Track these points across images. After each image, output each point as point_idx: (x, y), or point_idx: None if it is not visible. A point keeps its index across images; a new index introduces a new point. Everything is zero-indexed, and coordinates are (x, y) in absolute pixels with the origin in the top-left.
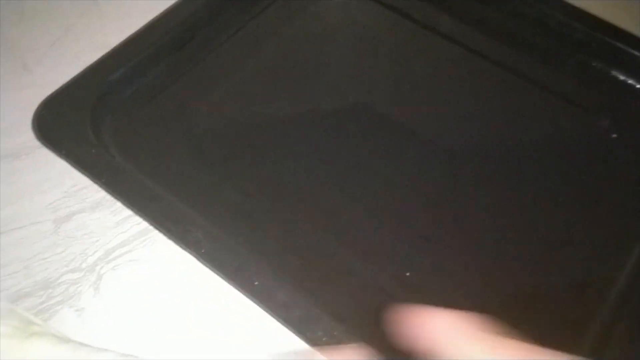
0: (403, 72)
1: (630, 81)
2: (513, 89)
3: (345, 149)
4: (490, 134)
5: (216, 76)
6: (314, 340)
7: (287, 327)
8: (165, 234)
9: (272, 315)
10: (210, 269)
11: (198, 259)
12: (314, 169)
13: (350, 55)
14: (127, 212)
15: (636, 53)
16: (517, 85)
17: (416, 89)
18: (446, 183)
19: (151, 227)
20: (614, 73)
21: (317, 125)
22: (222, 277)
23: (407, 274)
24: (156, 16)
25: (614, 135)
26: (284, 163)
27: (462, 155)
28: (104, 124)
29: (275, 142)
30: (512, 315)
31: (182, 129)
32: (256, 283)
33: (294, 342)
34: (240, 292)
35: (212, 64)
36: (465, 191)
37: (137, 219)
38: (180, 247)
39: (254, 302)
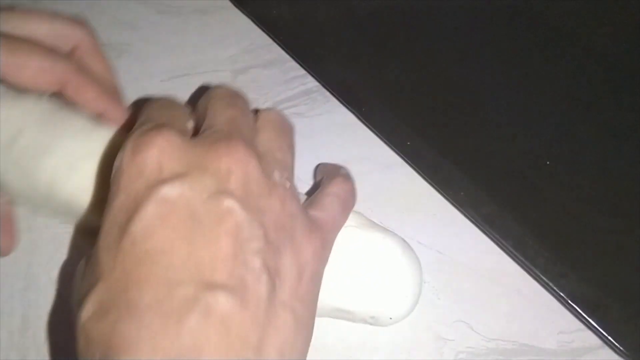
0: None
1: None
2: None
3: (500, 44)
4: None
5: None
6: (455, 198)
7: (432, 186)
8: (330, 93)
9: (419, 174)
10: (367, 127)
11: (358, 118)
12: (467, 56)
13: None
14: (296, 72)
15: None
16: None
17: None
18: (597, 88)
19: (315, 89)
20: None
21: (471, 19)
22: (377, 136)
23: (547, 162)
24: None
25: None
26: (439, 50)
27: (617, 65)
28: None
29: (433, 31)
30: None
31: (351, 6)
32: (408, 143)
33: (436, 199)
34: (393, 150)
35: None
36: (615, 98)
37: (304, 80)
38: (342, 105)
39: (404, 160)
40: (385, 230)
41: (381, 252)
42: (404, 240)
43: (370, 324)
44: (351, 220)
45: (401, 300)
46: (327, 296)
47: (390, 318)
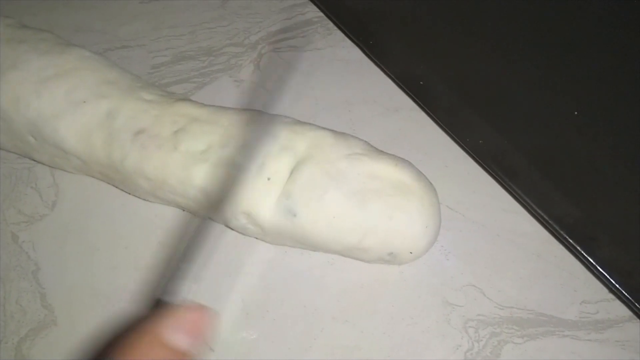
0: None
1: None
2: None
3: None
4: None
5: None
6: (473, 147)
7: (447, 132)
8: (334, 23)
9: (432, 119)
10: (375, 64)
11: (365, 53)
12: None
13: None
14: (294, 0)
15: None
16: None
17: None
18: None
19: (316, 20)
20: None
21: None
22: (386, 74)
23: (575, 112)
24: None
25: None
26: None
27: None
28: None
29: None
30: None
31: None
32: (421, 83)
33: (450, 147)
34: (404, 91)
35: None
36: None
37: (303, 9)
38: (347, 38)
39: (415, 101)
40: (394, 156)
41: (394, 180)
42: (415, 167)
43: (387, 262)
44: (356, 147)
45: (421, 231)
46: (339, 234)
47: (411, 253)
